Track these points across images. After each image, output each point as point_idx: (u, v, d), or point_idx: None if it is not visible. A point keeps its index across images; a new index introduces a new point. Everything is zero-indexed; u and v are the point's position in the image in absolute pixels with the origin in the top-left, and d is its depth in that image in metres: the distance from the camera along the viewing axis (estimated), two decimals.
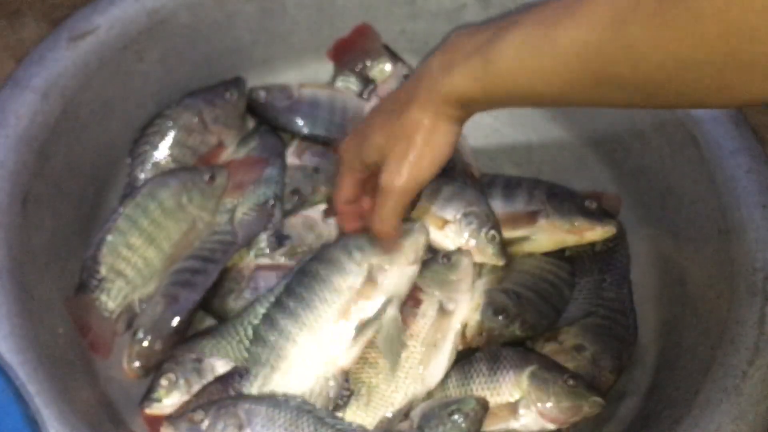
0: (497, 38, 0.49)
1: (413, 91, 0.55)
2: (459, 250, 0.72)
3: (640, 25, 0.40)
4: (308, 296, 0.67)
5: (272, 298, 0.69)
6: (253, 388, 0.65)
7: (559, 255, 0.77)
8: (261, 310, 0.68)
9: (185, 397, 0.66)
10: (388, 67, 0.87)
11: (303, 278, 0.68)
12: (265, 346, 0.66)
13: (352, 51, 0.88)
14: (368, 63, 0.87)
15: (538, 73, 0.47)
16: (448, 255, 0.72)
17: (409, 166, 0.56)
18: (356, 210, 0.67)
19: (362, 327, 0.66)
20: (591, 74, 0.44)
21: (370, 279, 0.67)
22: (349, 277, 0.67)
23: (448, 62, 0.52)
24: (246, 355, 0.66)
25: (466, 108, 0.54)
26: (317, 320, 0.66)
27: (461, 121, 0.56)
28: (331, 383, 0.65)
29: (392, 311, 0.66)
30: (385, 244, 0.67)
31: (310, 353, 0.66)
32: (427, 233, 0.71)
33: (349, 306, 0.67)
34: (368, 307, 0.67)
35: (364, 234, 0.68)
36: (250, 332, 0.67)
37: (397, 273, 0.68)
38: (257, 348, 0.66)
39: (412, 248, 0.69)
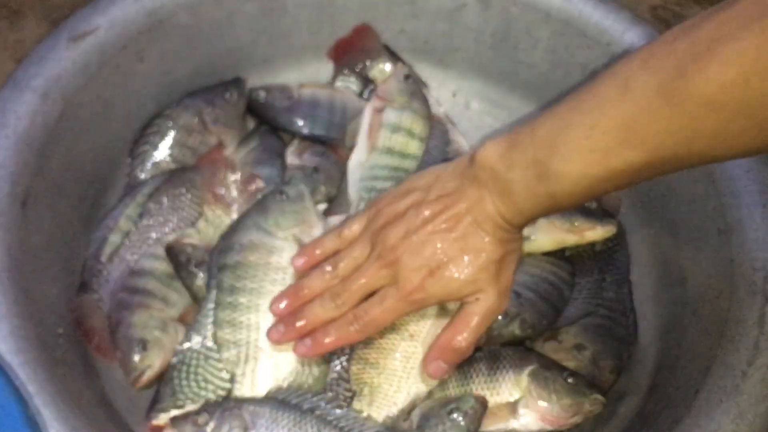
0: (555, 177, 0.51)
1: (477, 220, 0.58)
2: None
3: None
4: (255, 285, 0.67)
5: (209, 306, 0.68)
6: (245, 387, 0.65)
7: (559, 255, 0.77)
8: (208, 321, 0.67)
9: (192, 406, 0.65)
10: (388, 67, 0.87)
11: (236, 271, 0.68)
12: (238, 347, 0.66)
13: (352, 51, 0.88)
14: (368, 63, 0.87)
15: (603, 189, 0.52)
16: None
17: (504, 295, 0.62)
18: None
19: None
20: (656, 173, 0.49)
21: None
22: (283, 253, 0.68)
23: (508, 197, 0.55)
24: (220, 366, 0.66)
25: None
26: None
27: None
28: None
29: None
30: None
31: None
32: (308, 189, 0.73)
33: (299, 277, 0.67)
34: None
35: (266, 211, 0.71)
36: (210, 344, 0.66)
37: (318, 231, 0.70)
38: (230, 352, 0.66)
39: (311, 205, 0.72)
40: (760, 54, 0.40)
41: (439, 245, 0.58)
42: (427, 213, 0.59)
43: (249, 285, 0.67)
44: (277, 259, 0.68)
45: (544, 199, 0.53)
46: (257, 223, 0.70)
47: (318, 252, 0.66)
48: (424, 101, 0.84)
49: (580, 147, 0.49)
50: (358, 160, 0.80)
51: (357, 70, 0.87)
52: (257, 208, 0.73)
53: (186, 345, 0.67)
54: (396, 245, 0.59)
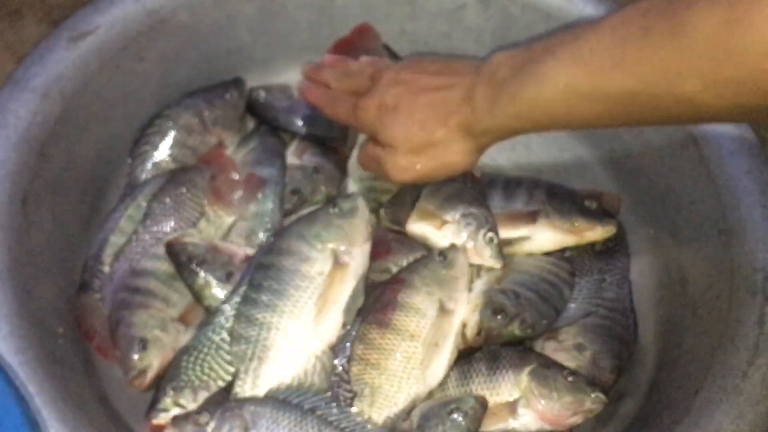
0: (541, 77, 0.50)
1: (452, 108, 0.57)
2: (453, 247, 0.73)
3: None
4: (280, 287, 0.67)
5: (236, 299, 0.68)
6: (246, 384, 0.65)
7: (559, 255, 0.77)
8: (230, 313, 0.68)
9: (191, 406, 0.66)
10: None
11: (268, 272, 0.68)
12: (248, 342, 0.66)
13: (352, 51, 0.88)
14: None
15: (584, 114, 0.50)
16: (443, 253, 0.72)
17: (423, 175, 0.60)
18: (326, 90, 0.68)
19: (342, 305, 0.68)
20: (637, 114, 0.48)
21: (338, 263, 0.68)
22: (316, 264, 0.68)
23: (491, 98, 0.54)
24: (227, 358, 0.66)
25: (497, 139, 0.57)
26: (296, 305, 0.67)
27: (484, 148, 0.59)
28: (322, 361, 0.66)
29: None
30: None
31: (294, 337, 0.66)
32: (366, 206, 0.73)
33: (325, 290, 0.67)
34: (343, 289, 0.68)
35: (313, 221, 0.71)
36: (225, 336, 0.67)
37: (360, 252, 0.70)
38: (239, 346, 0.66)
39: (363, 225, 0.71)
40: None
41: (408, 97, 0.59)
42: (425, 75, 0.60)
43: (274, 286, 0.68)
44: (307, 268, 0.68)
45: (523, 106, 0.52)
46: (301, 231, 0.70)
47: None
48: None
49: (573, 56, 0.49)
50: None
51: None
52: (308, 216, 0.73)
53: (203, 330, 0.68)
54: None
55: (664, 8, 0.44)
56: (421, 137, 0.58)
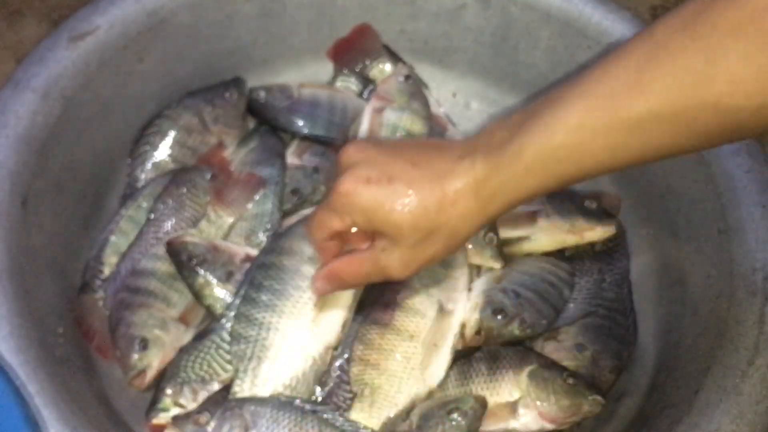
0: (548, 123, 0.45)
1: (452, 182, 0.49)
2: None
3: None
4: (281, 287, 0.68)
5: (237, 300, 0.69)
6: (245, 384, 0.65)
7: (559, 255, 0.77)
8: (230, 313, 0.68)
9: (191, 405, 0.66)
10: (388, 67, 0.87)
11: (268, 272, 0.69)
12: (247, 342, 0.66)
13: (352, 51, 0.88)
14: (368, 63, 0.87)
15: (600, 152, 0.44)
16: None
17: (429, 263, 0.52)
18: (338, 245, 0.57)
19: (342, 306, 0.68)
20: (658, 139, 0.43)
21: None
22: (317, 265, 0.68)
23: (495, 161, 0.47)
24: (227, 357, 0.67)
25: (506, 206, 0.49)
26: (295, 306, 0.67)
27: (492, 219, 0.51)
28: (320, 362, 0.66)
29: None
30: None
31: (294, 338, 0.66)
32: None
33: None
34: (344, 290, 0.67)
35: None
36: (224, 335, 0.67)
37: None
38: (239, 346, 0.66)
39: None
40: None
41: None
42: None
43: (275, 285, 0.68)
44: (308, 269, 0.68)
45: (532, 159, 0.46)
46: (303, 231, 0.70)
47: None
48: (424, 102, 0.84)
49: (582, 93, 0.44)
50: None
51: (357, 70, 0.88)
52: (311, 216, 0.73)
53: (205, 331, 0.68)
54: None
55: (673, 24, 0.42)
56: (426, 223, 0.49)
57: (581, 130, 0.44)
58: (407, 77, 0.84)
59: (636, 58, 0.43)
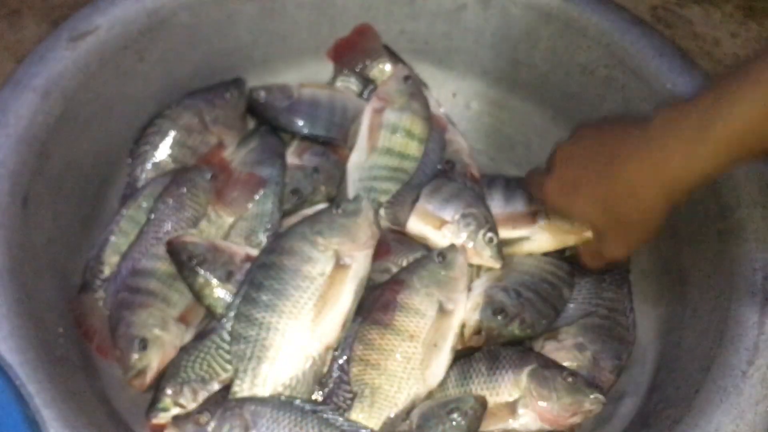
0: (734, 107, 0.48)
1: (644, 179, 0.54)
2: (452, 247, 0.73)
3: None
4: (281, 287, 0.67)
5: (237, 301, 0.69)
6: (245, 383, 0.65)
7: (559, 255, 0.77)
8: (230, 313, 0.68)
9: (191, 405, 0.66)
10: (388, 67, 0.87)
11: (269, 271, 0.69)
12: (247, 342, 0.66)
13: (352, 51, 0.88)
14: (368, 63, 0.87)
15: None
16: (442, 253, 0.72)
17: (636, 245, 0.59)
18: None
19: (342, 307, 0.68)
20: None
21: (340, 264, 0.68)
22: (318, 264, 0.68)
23: (674, 146, 0.51)
24: (227, 357, 0.66)
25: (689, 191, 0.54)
26: (295, 306, 0.67)
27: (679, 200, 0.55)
28: (320, 362, 0.66)
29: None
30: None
31: (294, 338, 0.66)
32: (372, 209, 0.72)
33: (325, 291, 0.67)
34: (344, 291, 0.68)
35: (317, 221, 0.71)
36: (224, 335, 0.67)
37: (362, 254, 0.70)
38: (239, 346, 0.66)
39: (367, 227, 0.71)
40: None
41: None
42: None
43: (275, 285, 0.68)
44: (309, 268, 0.68)
45: (720, 144, 0.49)
46: (304, 232, 0.71)
47: None
48: (424, 102, 0.84)
49: (756, 81, 0.47)
50: (357, 161, 0.80)
51: (357, 70, 0.88)
52: (311, 216, 0.73)
53: (205, 331, 0.68)
54: None
55: None
56: (614, 217, 0.57)
57: (759, 115, 0.47)
58: (407, 78, 0.84)
59: None
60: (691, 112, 0.51)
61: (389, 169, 0.79)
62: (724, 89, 0.49)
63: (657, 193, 0.53)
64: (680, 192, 0.53)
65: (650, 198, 0.54)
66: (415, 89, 0.84)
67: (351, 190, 0.78)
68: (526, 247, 0.76)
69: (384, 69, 0.87)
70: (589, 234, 0.73)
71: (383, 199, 0.77)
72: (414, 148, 0.80)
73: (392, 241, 0.76)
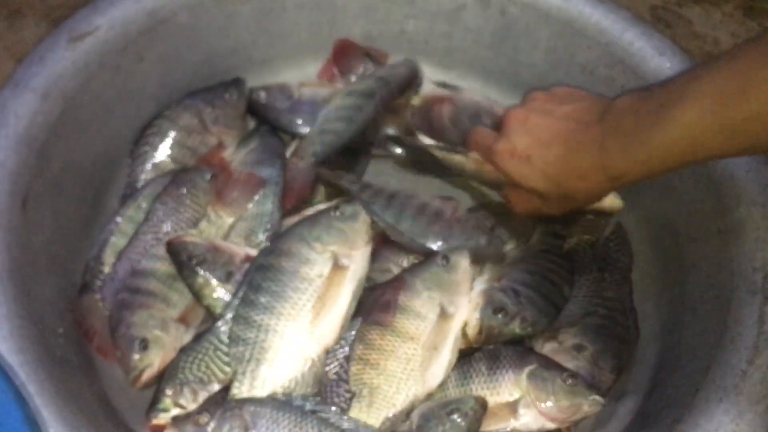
0: (667, 120, 0.52)
1: (585, 161, 0.58)
2: (456, 250, 0.72)
3: None
4: (279, 289, 0.67)
5: (236, 301, 0.69)
6: (243, 386, 0.65)
7: (558, 252, 0.77)
8: (229, 315, 0.68)
9: (191, 406, 0.66)
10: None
11: (267, 273, 0.69)
12: (246, 344, 0.66)
13: (338, 70, 0.88)
14: (359, 75, 0.87)
15: (708, 147, 0.51)
16: (446, 256, 0.72)
17: (571, 209, 0.64)
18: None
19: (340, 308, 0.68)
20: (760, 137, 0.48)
21: (338, 266, 0.69)
22: (315, 266, 0.68)
23: (621, 147, 0.56)
24: (226, 359, 0.66)
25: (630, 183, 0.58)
26: (294, 308, 0.67)
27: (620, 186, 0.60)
28: (318, 364, 0.66)
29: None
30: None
31: (292, 340, 0.66)
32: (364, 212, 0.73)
33: (323, 292, 0.67)
34: (342, 292, 0.68)
35: (315, 223, 0.71)
36: (223, 337, 0.67)
37: (360, 255, 0.70)
38: (237, 348, 0.66)
39: (364, 228, 0.71)
40: None
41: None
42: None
43: (273, 287, 0.68)
44: (307, 270, 0.68)
45: (652, 151, 0.54)
46: (302, 233, 0.71)
47: None
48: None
49: (695, 93, 0.50)
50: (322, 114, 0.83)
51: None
52: (309, 218, 0.73)
53: (204, 332, 0.68)
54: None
55: None
56: (561, 191, 0.61)
57: (692, 129, 0.50)
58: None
59: (743, 63, 0.48)
60: (640, 112, 0.55)
61: (349, 109, 0.81)
62: (672, 93, 0.52)
63: (603, 180, 0.58)
64: (625, 182, 0.58)
65: (597, 183, 0.59)
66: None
67: (316, 130, 0.81)
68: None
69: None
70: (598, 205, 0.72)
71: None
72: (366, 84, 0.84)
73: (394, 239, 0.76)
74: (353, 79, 0.87)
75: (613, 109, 0.57)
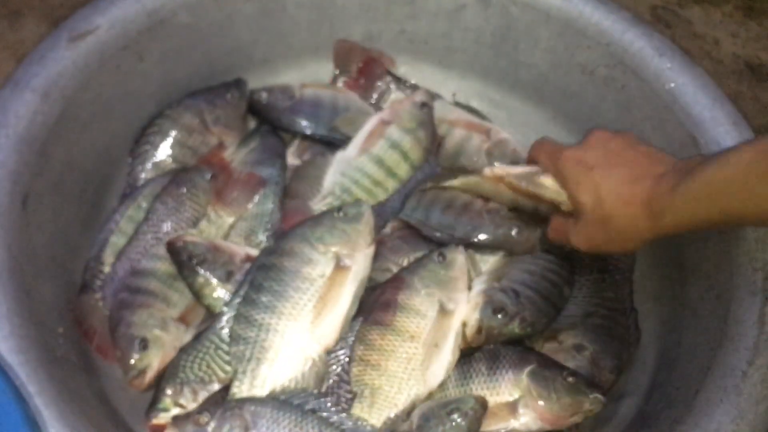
0: (723, 159, 0.52)
1: (640, 187, 0.58)
2: (452, 247, 0.73)
3: None
4: (280, 288, 0.67)
5: (237, 300, 0.69)
6: (244, 385, 0.65)
7: (559, 253, 0.77)
8: (229, 314, 0.68)
9: (192, 405, 0.66)
10: (400, 95, 0.87)
11: (269, 272, 0.69)
12: (246, 343, 0.66)
13: (361, 83, 0.88)
14: (379, 93, 0.87)
15: (760, 197, 0.50)
16: (442, 253, 0.72)
17: (600, 246, 0.63)
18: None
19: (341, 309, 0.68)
20: None
21: (340, 266, 0.68)
22: (317, 267, 0.68)
23: (675, 181, 0.55)
24: (226, 358, 0.67)
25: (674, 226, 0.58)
26: (295, 308, 0.67)
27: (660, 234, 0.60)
28: (319, 364, 0.66)
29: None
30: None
31: (293, 340, 0.66)
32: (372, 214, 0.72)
33: (325, 292, 0.67)
34: (343, 293, 0.68)
35: (318, 224, 0.71)
36: (223, 336, 0.67)
37: (362, 256, 0.70)
38: (238, 347, 0.66)
39: (367, 230, 0.71)
40: None
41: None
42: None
43: (274, 287, 0.68)
44: (309, 270, 0.68)
45: (702, 186, 0.54)
46: (304, 233, 0.71)
47: None
48: (430, 134, 0.83)
49: (752, 144, 0.51)
50: (346, 156, 0.79)
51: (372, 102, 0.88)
52: (313, 218, 0.73)
53: (204, 331, 0.68)
54: None
55: None
56: (602, 213, 0.60)
57: (748, 170, 0.50)
58: (423, 105, 0.83)
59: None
60: (673, 185, 0.55)
61: (372, 180, 0.78)
62: (690, 185, 0.54)
63: (643, 214, 0.58)
64: (665, 224, 0.57)
65: (636, 214, 0.58)
66: (426, 119, 0.83)
67: (328, 181, 0.78)
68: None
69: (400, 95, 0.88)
70: (564, 199, 0.71)
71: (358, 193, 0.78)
72: (404, 170, 0.79)
73: (396, 239, 0.76)
74: (375, 95, 0.87)
75: (666, 176, 0.57)
